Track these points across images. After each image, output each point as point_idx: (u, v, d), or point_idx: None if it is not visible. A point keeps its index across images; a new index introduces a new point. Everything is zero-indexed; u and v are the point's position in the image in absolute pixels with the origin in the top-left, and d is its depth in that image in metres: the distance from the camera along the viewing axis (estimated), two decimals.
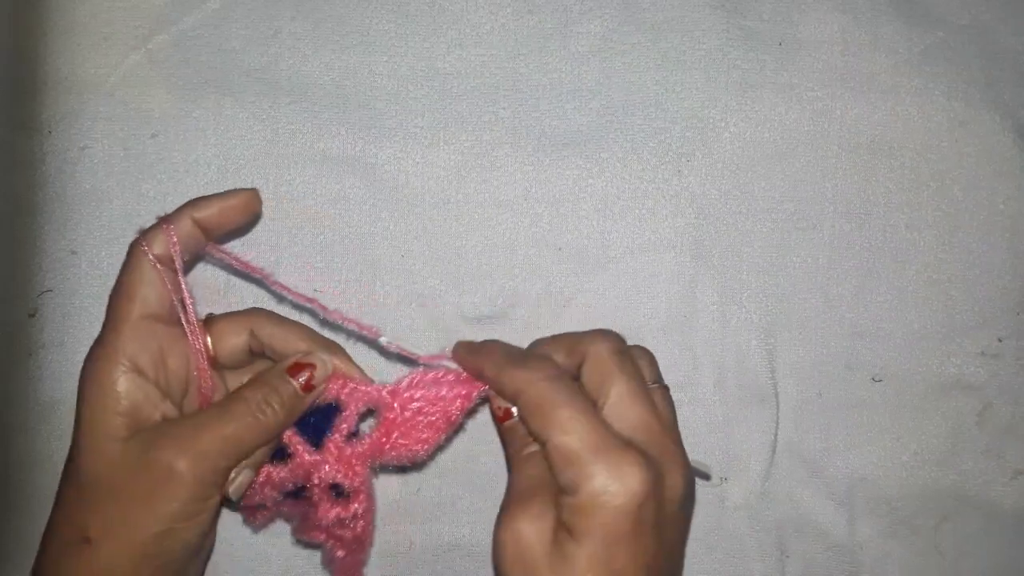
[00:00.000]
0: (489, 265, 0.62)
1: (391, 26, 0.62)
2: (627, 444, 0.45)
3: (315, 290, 0.61)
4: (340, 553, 0.55)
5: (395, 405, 0.51)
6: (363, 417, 0.53)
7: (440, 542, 0.61)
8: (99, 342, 0.50)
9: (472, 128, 0.62)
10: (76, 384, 0.59)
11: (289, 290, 0.54)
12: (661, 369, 0.54)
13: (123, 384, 0.48)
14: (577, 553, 0.44)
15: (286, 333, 0.53)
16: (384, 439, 0.52)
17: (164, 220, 0.51)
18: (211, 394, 0.52)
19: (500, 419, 0.51)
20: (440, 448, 0.54)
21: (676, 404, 0.61)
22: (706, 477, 0.59)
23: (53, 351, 0.60)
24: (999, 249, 0.63)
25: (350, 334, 0.58)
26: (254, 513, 0.56)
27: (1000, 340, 0.63)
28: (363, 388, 0.52)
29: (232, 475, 0.50)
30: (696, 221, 0.62)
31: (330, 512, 0.52)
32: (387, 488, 0.59)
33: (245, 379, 0.54)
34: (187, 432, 0.48)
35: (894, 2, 0.63)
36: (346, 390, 0.52)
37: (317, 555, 0.61)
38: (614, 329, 0.53)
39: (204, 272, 0.60)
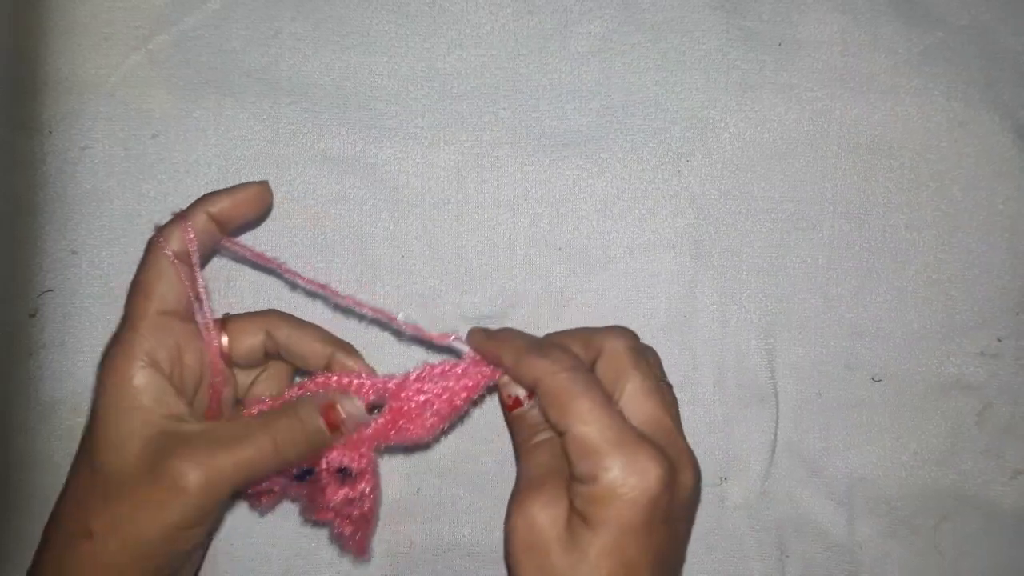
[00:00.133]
0: (489, 265, 0.62)
1: (391, 26, 0.63)
2: (644, 438, 0.46)
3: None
4: (347, 530, 0.55)
5: (401, 395, 0.52)
6: (371, 408, 0.54)
7: (440, 542, 0.61)
8: (117, 338, 0.50)
9: (472, 128, 0.62)
10: (76, 384, 0.60)
11: (302, 277, 0.54)
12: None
13: (140, 380, 0.48)
14: (591, 540, 0.45)
15: (302, 335, 0.53)
16: (390, 426, 0.52)
17: (180, 216, 0.51)
18: (222, 389, 0.53)
19: (509, 408, 0.52)
20: (444, 433, 0.54)
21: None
22: None
23: (53, 351, 0.60)
24: (999, 249, 0.63)
25: (362, 318, 0.58)
26: (259, 498, 0.56)
27: (1000, 340, 0.63)
28: (369, 381, 0.52)
29: None
30: (696, 221, 0.63)
31: (338, 494, 0.53)
32: (387, 488, 0.59)
33: (256, 374, 0.55)
34: (205, 447, 0.48)
35: (894, 2, 0.64)
36: (352, 384, 0.52)
37: (317, 555, 0.61)
38: None
39: (211, 264, 0.60)
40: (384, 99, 0.62)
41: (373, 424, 0.52)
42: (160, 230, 0.51)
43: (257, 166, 0.61)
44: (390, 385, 0.52)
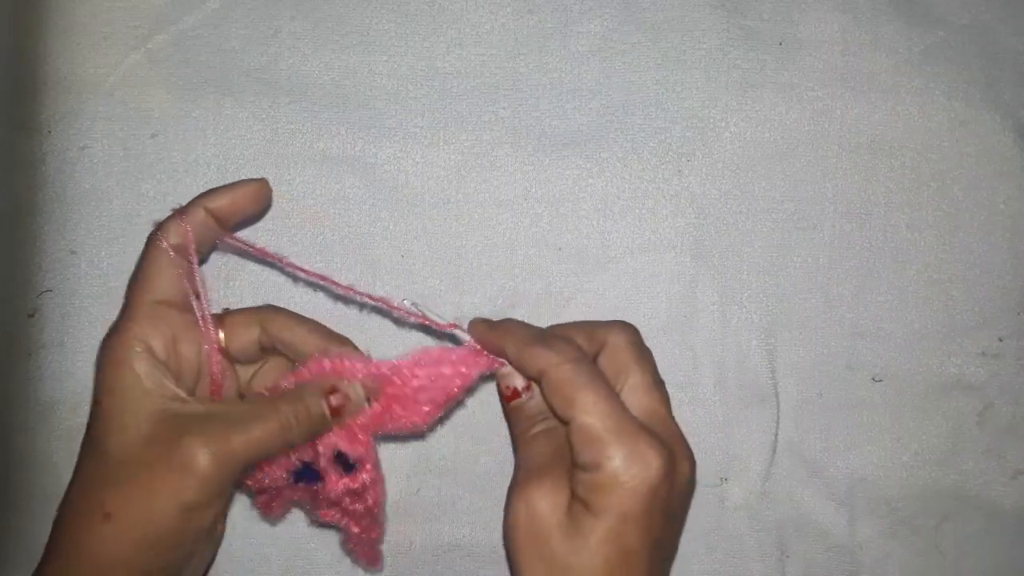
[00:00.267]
0: (489, 265, 0.62)
1: (391, 26, 0.62)
2: (646, 429, 0.47)
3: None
4: (355, 529, 0.55)
5: (396, 380, 0.52)
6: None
7: (440, 542, 0.61)
8: (114, 327, 0.51)
9: (472, 128, 0.62)
10: (76, 384, 0.60)
11: (302, 270, 0.54)
12: (661, 369, 0.55)
13: (140, 365, 0.50)
14: (592, 527, 0.46)
15: (297, 329, 0.54)
16: (384, 411, 0.52)
17: (179, 212, 0.52)
18: (222, 381, 0.53)
19: (507, 399, 0.52)
20: (439, 422, 0.55)
21: (676, 404, 0.61)
22: None
23: (53, 351, 0.60)
24: (1000, 249, 0.63)
25: (363, 307, 0.58)
26: (269, 505, 0.56)
27: (1001, 340, 0.63)
28: (362, 364, 0.52)
29: None
30: (696, 221, 0.62)
31: (338, 484, 0.53)
32: (388, 489, 0.58)
33: (255, 369, 0.55)
34: (217, 427, 0.49)
35: (894, 2, 0.63)
36: (346, 367, 0.52)
37: (317, 555, 0.61)
38: None
39: (211, 263, 0.60)
40: (383, 98, 0.62)
41: (368, 410, 0.52)
42: (159, 225, 0.52)
43: (256, 165, 0.61)
44: (384, 370, 0.52)
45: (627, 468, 0.46)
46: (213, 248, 0.56)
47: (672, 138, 0.63)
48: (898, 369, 0.63)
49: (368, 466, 0.53)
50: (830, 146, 0.63)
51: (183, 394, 0.50)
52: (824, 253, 0.63)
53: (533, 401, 0.52)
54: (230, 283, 0.61)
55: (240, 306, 0.57)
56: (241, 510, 0.60)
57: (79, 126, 0.61)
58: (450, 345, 0.55)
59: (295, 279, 0.60)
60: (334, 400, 0.52)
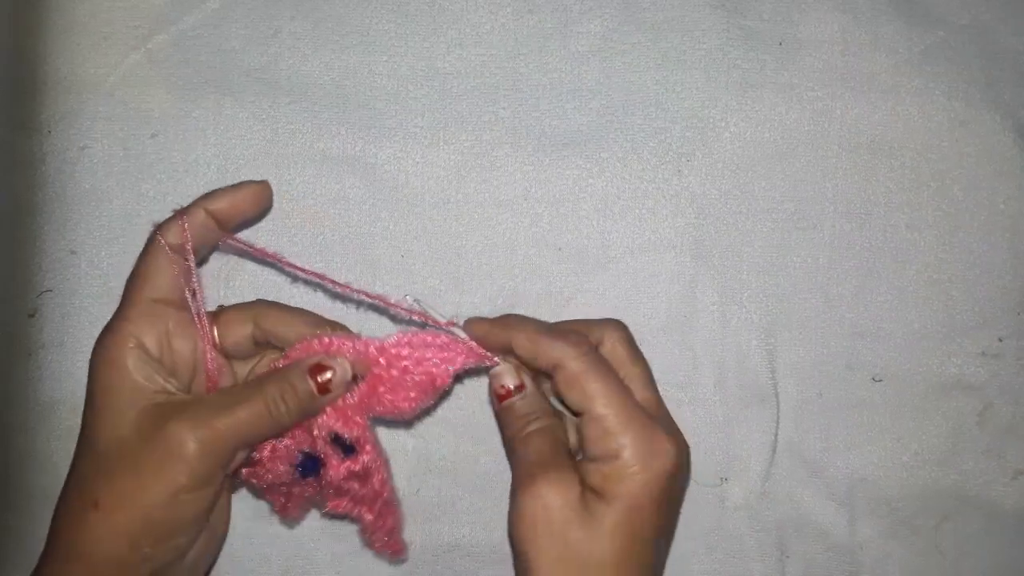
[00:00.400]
0: (489, 265, 0.62)
1: (391, 26, 0.62)
2: (658, 421, 0.50)
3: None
4: (369, 516, 0.55)
5: (381, 360, 0.52)
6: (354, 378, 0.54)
7: (440, 542, 0.61)
8: (109, 324, 0.52)
9: (472, 128, 0.62)
10: (75, 384, 0.60)
11: (302, 269, 0.54)
12: (661, 369, 0.55)
13: (130, 360, 0.50)
14: (606, 514, 0.48)
15: (289, 320, 0.54)
16: (371, 392, 0.52)
17: (179, 212, 0.53)
18: (217, 378, 0.53)
19: (501, 398, 0.53)
20: (428, 410, 0.55)
21: (676, 404, 0.61)
22: None
23: (53, 351, 0.60)
24: (999, 249, 0.63)
25: (360, 305, 0.58)
26: (285, 507, 0.56)
27: (1001, 340, 0.63)
28: (349, 343, 0.52)
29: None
30: (696, 221, 0.62)
31: (340, 468, 0.53)
32: None
33: (252, 365, 0.55)
34: (201, 412, 0.49)
35: (894, 2, 0.63)
36: (334, 346, 0.52)
37: (317, 555, 0.61)
38: None
39: (211, 264, 0.60)
40: (384, 99, 0.62)
41: (356, 391, 0.52)
42: (160, 225, 0.53)
43: (256, 166, 0.61)
44: (371, 349, 0.52)
45: (644, 458, 0.48)
46: (213, 248, 0.56)
47: (672, 138, 0.63)
48: (898, 369, 0.63)
49: (367, 447, 0.53)
50: (830, 146, 0.63)
51: (173, 388, 0.51)
52: (824, 253, 0.63)
53: (525, 400, 0.53)
54: (230, 283, 0.61)
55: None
56: (241, 510, 0.60)
57: (79, 126, 0.61)
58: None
59: (294, 278, 0.60)
60: (320, 376, 0.51)
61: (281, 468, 0.53)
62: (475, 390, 0.61)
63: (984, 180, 0.63)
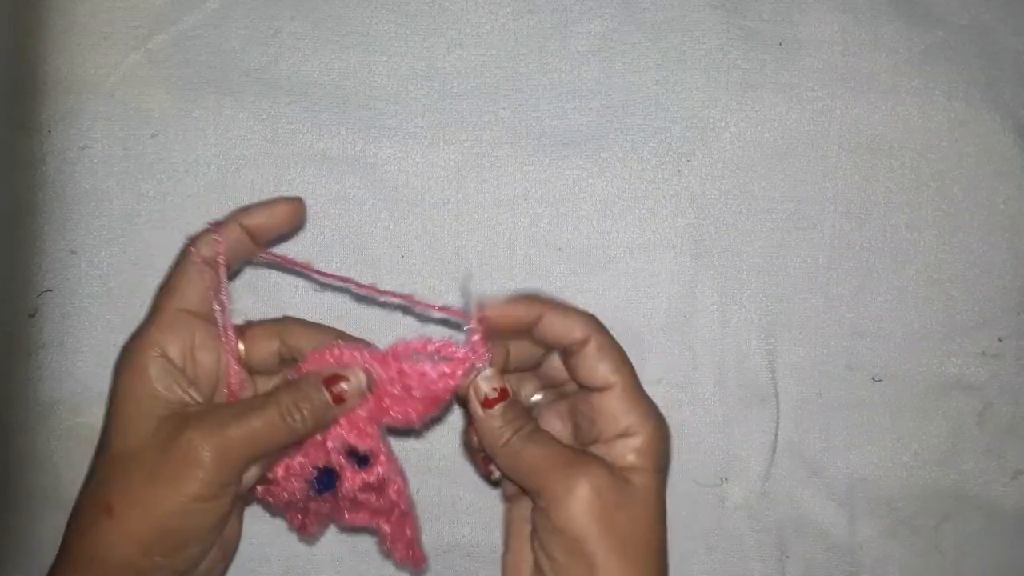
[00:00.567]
0: (489, 265, 0.62)
1: (391, 26, 0.62)
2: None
3: (314, 289, 0.61)
4: (387, 527, 0.55)
5: (384, 374, 0.52)
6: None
7: (440, 542, 0.61)
8: (136, 331, 0.52)
9: (472, 128, 0.62)
10: (75, 384, 0.60)
11: (333, 276, 0.54)
12: (661, 369, 0.55)
13: (154, 369, 0.50)
14: (647, 484, 0.50)
15: (315, 337, 0.54)
16: (378, 403, 0.52)
17: (214, 225, 0.53)
18: (239, 392, 0.53)
19: (490, 403, 0.51)
20: (435, 419, 0.54)
21: (676, 404, 0.61)
22: None
23: (53, 351, 0.60)
24: (999, 249, 0.63)
25: (389, 307, 0.59)
26: (304, 524, 0.56)
27: (1000, 340, 0.63)
28: (350, 353, 0.52)
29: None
30: (696, 221, 0.62)
31: (355, 479, 0.53)
32: None
33: (275, 382, 0.55)
34: (216, 421, 0.49)
35: (894, 2, 0.63)
36: (344, 357, 0.52)
37: (317, 555, 0.61)
38: (615, 329, 0.53)
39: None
40: (384, 99, 0.62)
41: (366, 402, 0.52)
42: (194, 238, 0.53)
43: (257, 166, 0.61)
44: (373, 362, 0.52)
45: (659, 425, 0.50)
46: (246, 263, 0.57)
47: (672, 138, 0.63)
48: (898, 369, 0.63)
49: (381, 458, 0.53)
50: (830, 146, 0.63)
51: (192, 399, 0.51)
52: (824, 253, 0.63)
53: (514, 403, 0.51)
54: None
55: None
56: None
57: (79, 126, 0.61)
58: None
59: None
60: (335, 387, 0.51)
61: (296, 485, 0.53)
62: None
63: (984, 180, 0.63)
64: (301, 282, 0.61)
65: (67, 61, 0.61)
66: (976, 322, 0.63)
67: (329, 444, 0.52)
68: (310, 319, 0.56)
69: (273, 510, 0.57)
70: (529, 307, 0.52)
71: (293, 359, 0.54)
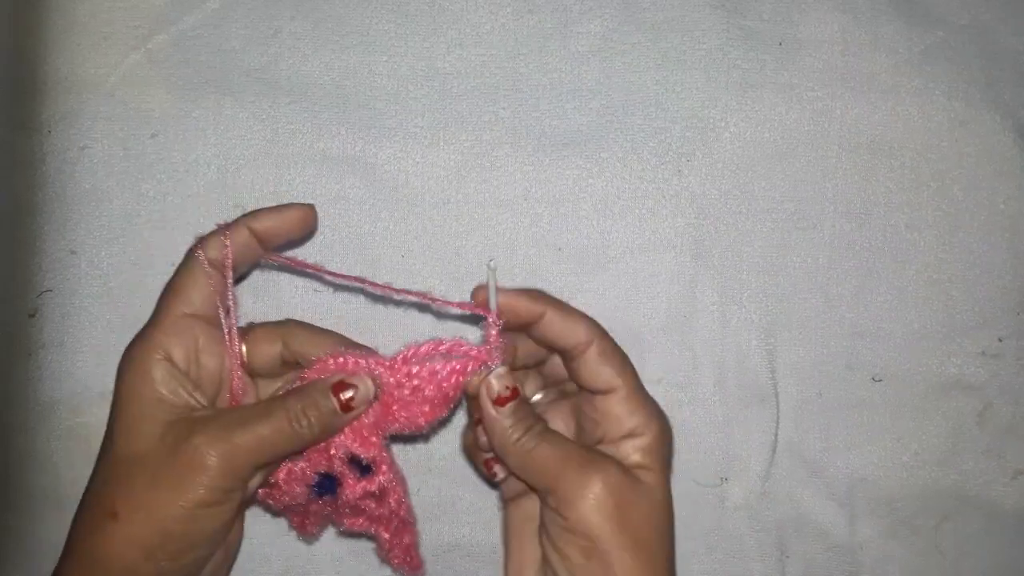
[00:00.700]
0: None
1: (391, 26, 0.62)
2: None
3: (315, 289, 0.61)
4: (385, 534, 0.55)
5: (391, 380, 0.52)
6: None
7: (440, 542, 0.61)
8: (139, 334, 0.52)
9: (472, 128, 0.62)
10: (75, 384, 0.60)
11: (344, 276, 0.54)
12: (661, 369, 0.55)
13: (158, 372, 0.50)
14: (656, 481, 0.50)
15: (318, 342, 0.54)
16: (386, 410, 0.52)
17: (222, 228, 0.53)
18: (241, 396, 0.53)
19: (502, 401, 0.51)
20: (442, 422, 0.54)
21: (676, 404, 0.61)
22: None
23: (53, 351, 0.60)
24: (999, 249, 0.63)
25: (397, 306, 0.59)
26: (303, 524, 0.56)
27: (1000, 340, 0.63)
28: (356, 360, 0.52)
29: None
30: (696, 221, 0.62)
31: (357, 488, 0.53)
32: None
33: (277, 386, 0.55)
34: (223, 426, 0.49)
35: (894, 2, 0.63)
36: (348, 365, 0.52)
37: (317, 555, 0.61)
38: (614, 329, 0.53)
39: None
40: (384, 99, 0.62)
41: (372, 410, 0.52)
42: (201, 239, 0.52)
43: (257, 166, 0.61)
44: (380, 368, 0.52)
45: (663, 425, 0.51)
46: (254, 266, 0.57)
47: (672, 138, 0.63)
48: (898, 369, 0.63)
49: (384, 467, 0.53)
50: (830, 146, 0.63)
51: (197, 403, 0.51)
52: (824, 253, 0.63)
53: (523, 403, 0.52)
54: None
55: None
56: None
57: (79, 126, 0.61)
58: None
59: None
60: (343, 394, 0.51)
61: (297, 490, 0.53)
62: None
63: (984, 180, 0.63)
64: (301, 283, 0.61)
65: (67, 61, 0.61)
66: (976, 322, 0.63)
67: (332, 451, 0.52)
68: (310, 320, 0.56)
69: (273, 511, 0.57)
70: (532, 302, 0.52)
71: (295, 362, 0.54)
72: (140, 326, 0.52)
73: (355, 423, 0.52)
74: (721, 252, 0.62)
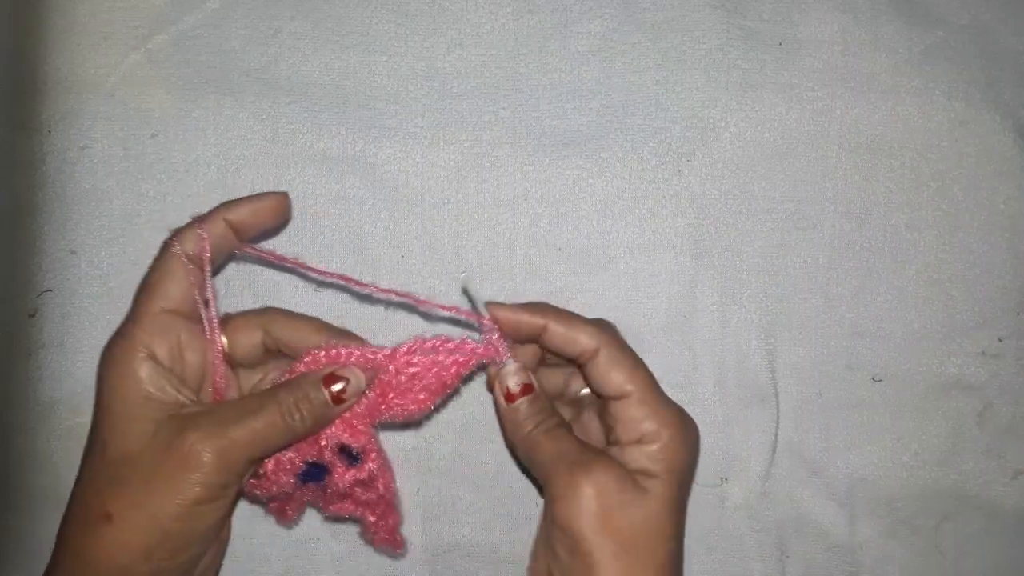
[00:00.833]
0: (489, 265, 0.62)
1: (391, 26, 0.62)
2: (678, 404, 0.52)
3: (315, 289, 0.61)
4: (372, 517, 0.55)
5: (390, 367, 0.52)
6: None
7: (440, 542, 0.61)
8: (119, 332, 0.51)
9: (472, 128, 0.62)
10: (75, 384, 0.60)
11: (325, 272, 0.54)
12: (661, 369, 0.55)
13: (143, 370, 0.50)
14: (659, 490, 0.49)
15: (299, 328, 0.54)
16: (380, 399, 0.52)
17: (197, 220, 0.52)
18: (224, 389, 0.53)
19: (513, 397, 0.52)
20: (435, 410, 0.54)
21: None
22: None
23: (53, 351, 0.60)
24: (999, 249, 0.63)
25: (388, 305, 0.59)
26: (283, 510, 0.56)
27: (1000, 340, 0.63)
28: (357, 352, 0.52)
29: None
30: (696, 221, 0.62)
31: (346, 475, 0.53)
32: None
33: (259, 377, 0.55)
34: (216, 423, 0.49)
35: (894, 2, 0.63)
36: (341, 356, 0.52)
37: (317, 555, 0.61)
38: None
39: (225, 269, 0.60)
40: (384, 99, 0.62)
41: (365, 399, 0.52)
42: (176, 232, 0.52)
43: (257, 166, 0.61)
44: (379, 356, 0.52)
45: (683, 433, 0.51)
46: (230, 259, 0.56)
47: (672, 138, 0.63)
48: (898, 369, 0.63)
49: (373, 455, 0.53)
50: (830, 146, 0.63)
51: (186, 399, 0.50)
52: (824, 253, 0.63)
53: (536, 399, 0.52)
54: (230, 283, 0.61)
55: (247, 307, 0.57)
56: (240, 510, 0.60)
57: (79, 126, 0.61)
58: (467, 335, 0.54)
59: (318, 284, 0.60)
60: (334, 387, 0.51)
61: (285, 479, 0.53)
62: (476, 390, 0.61)
63: (984, 180, 0.63)
64: (302, 282, 0.61)
65: (67, 61, 0.61)
66: (976, 322, 0.63)
67: (323, 441, 0.52)
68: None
69: (256, 500, 0.57)
70: (533, 316, 0.52)
71: (277, 349, 0.54)
72: None
73: (345, 413, 0.52)
74: (721, 252, 0.62)
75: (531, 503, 0.61)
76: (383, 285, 0.61)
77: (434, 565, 0.61)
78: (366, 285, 0.54)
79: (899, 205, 0.63)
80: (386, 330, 0.60)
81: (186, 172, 0.61)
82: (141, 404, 0.49)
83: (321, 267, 0.54)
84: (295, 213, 0.61)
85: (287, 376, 0.53)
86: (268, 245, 0.60)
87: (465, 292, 0.53)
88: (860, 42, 0.63)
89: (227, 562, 0.60)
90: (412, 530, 0.61)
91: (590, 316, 0.59)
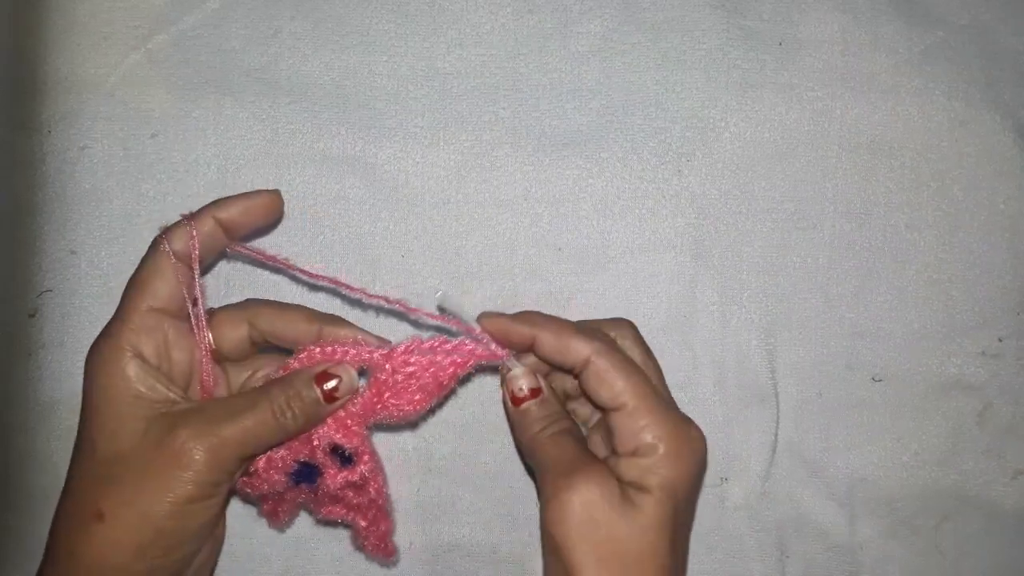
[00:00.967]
0: (489, 265, 0.62)
1: (391, 26, 0.62)
2: (685, 415, 0.51)
3: (312, 290, 0.61)
4: (363, 522, 0.55)
5: (387, 367, 0.51)
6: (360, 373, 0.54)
7: (440, 542, 0.61)
8: (106, 331, 0.51)
9: (472, 128, 0.62)
10: (75, 384, 0.59)
11: (312, 274, 0.54)
12: (661, 369, 0.55)
13: (131, 369, 0.50)
14: (650, 505, 0.48)
15: (286, 318, 0.53)
16: (375, 399, 0.52)
17: (187, 218, 0.52)
18: (212, 388, 0.53)
19: (518, 401, 0.52)
20: (431, 411, 0.54)
21: (676, 404, 0.61)
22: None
23: (53, 351, 0.60)
24: (999, 249, 0.63)
25: (379, 311, 0.59)
26: (275, 511, 0.56)
27: (1000, 340, 0.63)
28: (354, 350, 0.52)
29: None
30: (696, 221, 0.62)
31: (337, 477, 0.53)
32: (387, 488, 0.59)
33: (248, 372, 0.55)
34: (208, 421, 0.49)
35: (894, 2, 0.63)
36: (337, 354, 0.52)
37: (317, 555, 0.61)
38: None
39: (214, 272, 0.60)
40: (384, 99, 0.62)
41: (359, 399, 0.52)
42: (165, 230, 0.52)
43: (257, 166, 0.61)
44: (376, 355, 0.52)
45: (680, 448, 0.49)
46: (221, 257, 0.56)
47: (672, 138, 0.63)
48: (898, 369, 0.63)
49: (365, 457, 0.53)
50: (830, 146, 0.63)
51: (176, 397, 0.50)
52: (824, 253, 0.63)
53: (543, 403, 0.52)
54: (230, 282, 0.61)
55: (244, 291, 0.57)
56: (240, 510, 0.60)
57: (79, 126, 0.61)
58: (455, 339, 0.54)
59: (310, 286, 0.60)
60: (327, 384, 0.51)
61: (276, 478, 0.53)
62: (476, 390, 0.61)
63: (984, 180, 0.63)
64: (301, 281, 0.61)
65: (67, 61, 0.61)
66: (976, 322, 0.63)
67: (315, 441, 0.52)
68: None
69: (247, 499, 0.57)
70: (522, 326, 0.51)
71: (265, 342, 0.54)
72: None
73: (339, 413, 0.52)
74: (721, 252, 0.62)
75: (531, 503, 0.61)
76: (383, 285, 0.61)
77: (434, 565, 0.61)
78: (355, 289, 0.54)
79: (899, 205, 0.63)
80: (383, 327, 0.60)
81: (186, 172, 0.61)
82: (131, 403, 0.49)
83: (311, 268, 0.54)
84: (295, 213, 0.61)
85: (281, 373, 0.52)
86: (264, 243, 0.60)
87: (441, 310, 0.53)
88: (860, 42, 0.63)
89: (227, 562, 0.60)
90: (412, 530, 0.61)
91: (590, 317, 0.60)
